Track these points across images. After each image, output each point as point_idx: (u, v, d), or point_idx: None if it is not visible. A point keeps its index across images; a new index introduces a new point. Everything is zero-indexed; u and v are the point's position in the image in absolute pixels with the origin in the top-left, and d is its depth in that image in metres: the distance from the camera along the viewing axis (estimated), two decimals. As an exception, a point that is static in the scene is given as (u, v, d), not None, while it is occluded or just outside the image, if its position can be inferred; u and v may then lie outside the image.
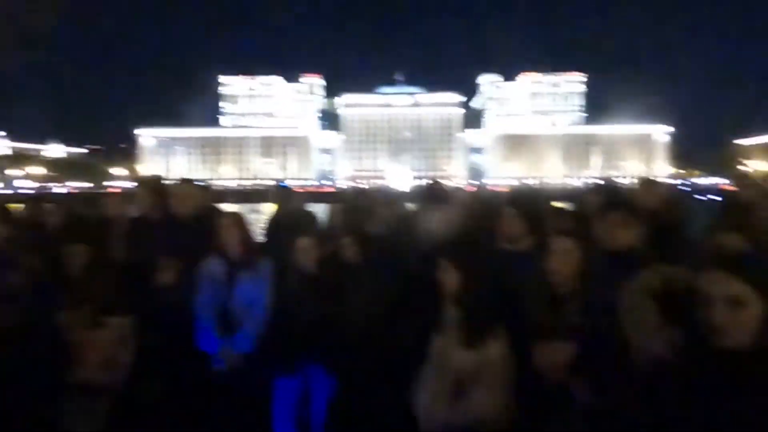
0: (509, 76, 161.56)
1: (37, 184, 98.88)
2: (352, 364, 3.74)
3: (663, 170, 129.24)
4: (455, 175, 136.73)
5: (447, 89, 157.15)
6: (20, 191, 76.02)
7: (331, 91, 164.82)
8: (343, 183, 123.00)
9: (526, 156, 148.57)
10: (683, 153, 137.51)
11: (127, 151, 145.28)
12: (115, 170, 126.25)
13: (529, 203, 4.42)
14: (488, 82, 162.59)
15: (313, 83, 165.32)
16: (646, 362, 2.18)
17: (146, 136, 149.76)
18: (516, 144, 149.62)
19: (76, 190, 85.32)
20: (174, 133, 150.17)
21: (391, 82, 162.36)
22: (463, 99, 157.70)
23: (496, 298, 3.01)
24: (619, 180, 71.54)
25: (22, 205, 5.82)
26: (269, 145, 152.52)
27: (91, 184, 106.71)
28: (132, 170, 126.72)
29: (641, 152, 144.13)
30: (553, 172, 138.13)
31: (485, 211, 4.64)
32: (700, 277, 1.81)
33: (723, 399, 1.70)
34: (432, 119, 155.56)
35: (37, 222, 5.19)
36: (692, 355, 1.80)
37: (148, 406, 3.56)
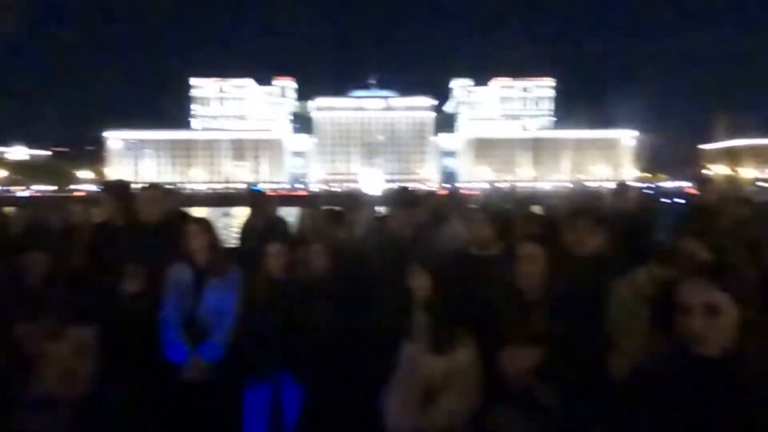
0: (481, 81, 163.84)
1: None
2: (320, 372, 3.71)
3: (630, 174, 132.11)
4: (428, 179, 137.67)
5: (419, 93, 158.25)
6: (-19, 195, 73.68)
7: (304, 94, 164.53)
8: (316, 186, 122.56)
9: (498, 159, 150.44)
10: (650, 157, 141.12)
11: (94, 154, 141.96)
12: (81, 173, 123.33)
13: (498, 209, 4.45)
14: (460, 86, 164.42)
15: (286, 86, 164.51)
16: (629, 369, 2.19)
17: (114, 138, 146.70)
18: (487, 147, 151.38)
19: (40, 194, 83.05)
20: (143, 135, 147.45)
21: (364, 86, 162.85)
22: (436, 103, 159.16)
23: (465, 304, 3.02)
24: (589, 183, 72.87)
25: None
26: (241, 148, 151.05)
27: (56, 188, 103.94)
28: (99, 173, 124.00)
29: (609, 156, 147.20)
30: (524, 176, 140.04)
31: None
32: (679, 284, 1.82)
33: (699, 406, 1.71)
34: (405, 123, 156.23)
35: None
36: (672, 363, 1.81)
37: (111, 419, 3.46)
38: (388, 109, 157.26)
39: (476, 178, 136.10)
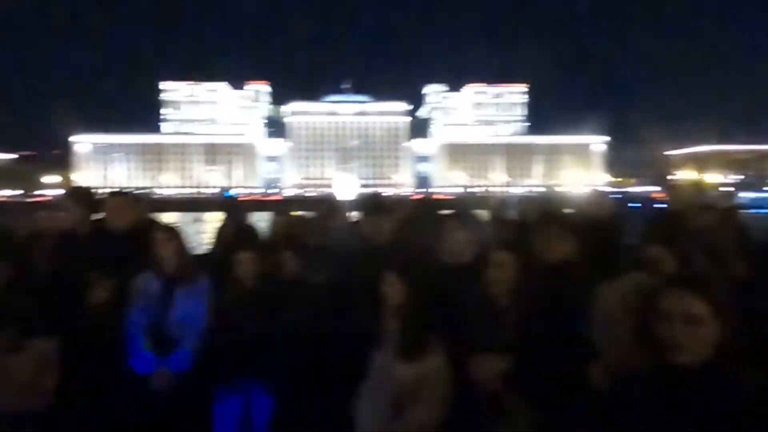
0: (454, 87, 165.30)
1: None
2: (290, 380, 3.66)
3: (600, 179, 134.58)
4: (402, 184, 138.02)
5: (394, 98, 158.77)
6: (-59, 200, 71.32)
7: (277, 98, 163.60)
8: (289, 191, 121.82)
9: (471, 164, 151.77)
10: (618, 162, 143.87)
11: (61, 158, 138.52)
12: (47, 178, 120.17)
13: (471, 216, 4.46)
14: (434, 92, 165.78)
15: (259, 90, 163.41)
16: (608, 377, 2.19)
17: (82, 142, 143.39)
18: (461, 153, 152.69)
19: (4, 199, 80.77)
20: (112, 139, 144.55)
21: (338, 91, 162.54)
22: (410, 108, 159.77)
23: (436, 311, 3.01)
24: (560, 188, 74.00)
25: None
26: (213, 153, 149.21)
27: (21, 192, 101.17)
28: (66, 178, 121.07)
29: (580, 161, 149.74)
30: (497, 180, 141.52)
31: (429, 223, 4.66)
32: (660, 293, 1.84)
33: (675, 415, 1.73)
34: (379, 128, 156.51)
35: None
36: (650, 371, 1.83)
37: (74, 433, 3.37)
38: (363, 114, 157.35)
39: (450, 182, 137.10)
